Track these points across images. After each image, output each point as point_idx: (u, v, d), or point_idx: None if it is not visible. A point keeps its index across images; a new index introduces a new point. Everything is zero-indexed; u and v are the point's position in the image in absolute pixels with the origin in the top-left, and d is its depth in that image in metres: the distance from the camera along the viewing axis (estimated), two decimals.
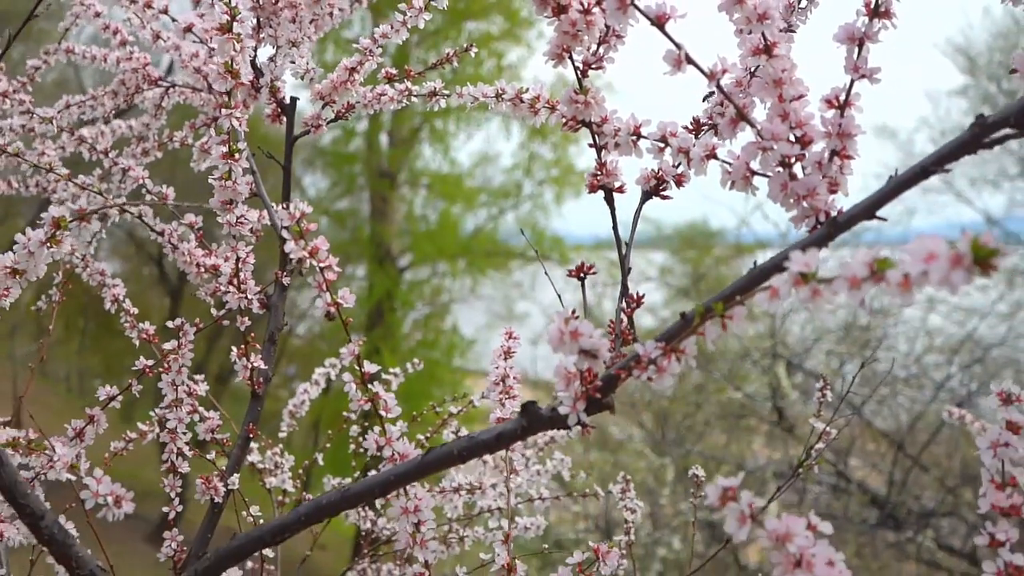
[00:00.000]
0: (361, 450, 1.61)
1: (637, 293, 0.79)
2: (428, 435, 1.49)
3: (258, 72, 1.12)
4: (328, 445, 1.55)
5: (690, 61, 0.69)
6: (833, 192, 0.68)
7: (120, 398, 1.04)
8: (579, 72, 0.79)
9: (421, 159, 11.28)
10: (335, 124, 1.21)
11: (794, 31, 0.85)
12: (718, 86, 0.71)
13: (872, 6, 0.68)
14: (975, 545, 6.09)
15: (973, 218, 8.45)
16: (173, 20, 1.24)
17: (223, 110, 0.88)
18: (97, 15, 1.38)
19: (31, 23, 1.53)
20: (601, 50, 0.79)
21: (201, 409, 1.16)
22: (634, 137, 0.79)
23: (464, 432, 1.50)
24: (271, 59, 1.11)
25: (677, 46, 0.70)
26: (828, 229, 0.64)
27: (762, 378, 7.10)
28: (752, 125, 0.71)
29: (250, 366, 1.11)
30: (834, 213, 0.66)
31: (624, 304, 0.78)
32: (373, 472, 0.78)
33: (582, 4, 0.72)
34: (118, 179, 1.35)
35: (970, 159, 0.64)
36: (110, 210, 1.08)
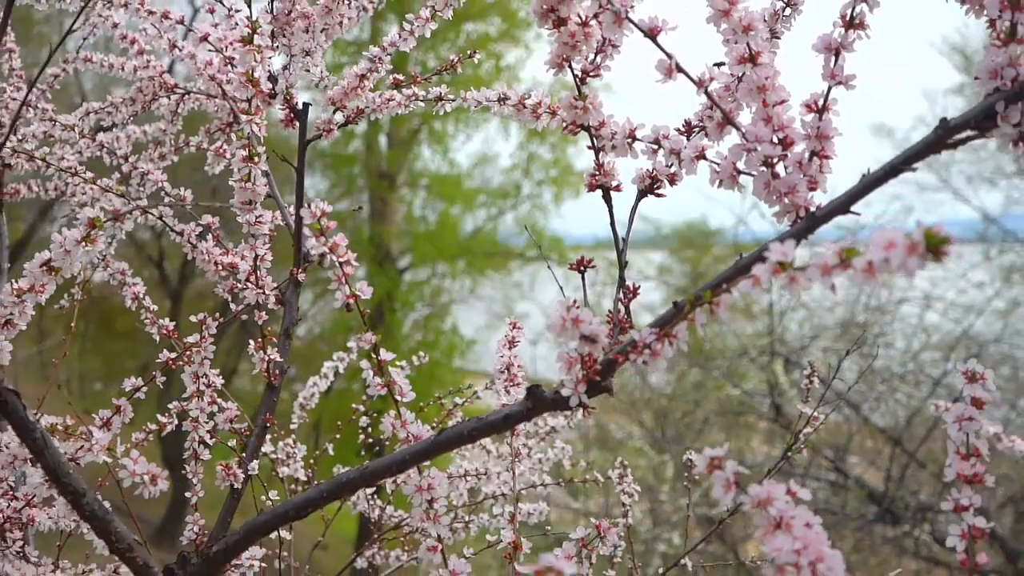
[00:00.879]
0: (369, 440, 1.68)
1: (633, 284, 0.85)
2: (433, 426, 1.55)
3: (272, 79, 1.17)
4: (338, 436, 1.61)
5: (680, 70, 0.75)
6: (813, 189, 0.74)
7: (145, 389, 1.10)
8: (578, 79, 0.85)
9: (420, 160, 11.34)
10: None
11: (779, 37, 0.91)
12: (706, 93, 0.77)
13: (848, 18, 0.74)
14: (972, 540, 6.14)
15: (970, 216, 8.51)
16: (189, 30, 1.30)
17: (244, 116, 0.93)
18: (115, 25, 1.43)
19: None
20: (598, 59, 0.85)
21: (220, 401, 1.22)
22: (629, 140, 0.85)
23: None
24: (285, 67, 1.17)
25: (668, 56, 0.76)
26: (807, 223, 0.70)
27: (760, 375, 7.16)
28: (738, 128, 0.77)
29: (267, 359, 1.17)
30: (813, 208, 0.72)
31: (621, 295, 0.83)
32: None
33: (580, 17, 0.78)
34: (136, 182, 1.41)
35: (968, 158, 0.70)
36: (133, 211, 1.14)
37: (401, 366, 1.70)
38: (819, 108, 0.74)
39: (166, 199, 1.29)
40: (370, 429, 1.58)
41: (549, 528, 1.42)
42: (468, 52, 1.32)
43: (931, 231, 0.49)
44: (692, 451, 1.30)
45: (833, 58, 0.74)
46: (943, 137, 0.66)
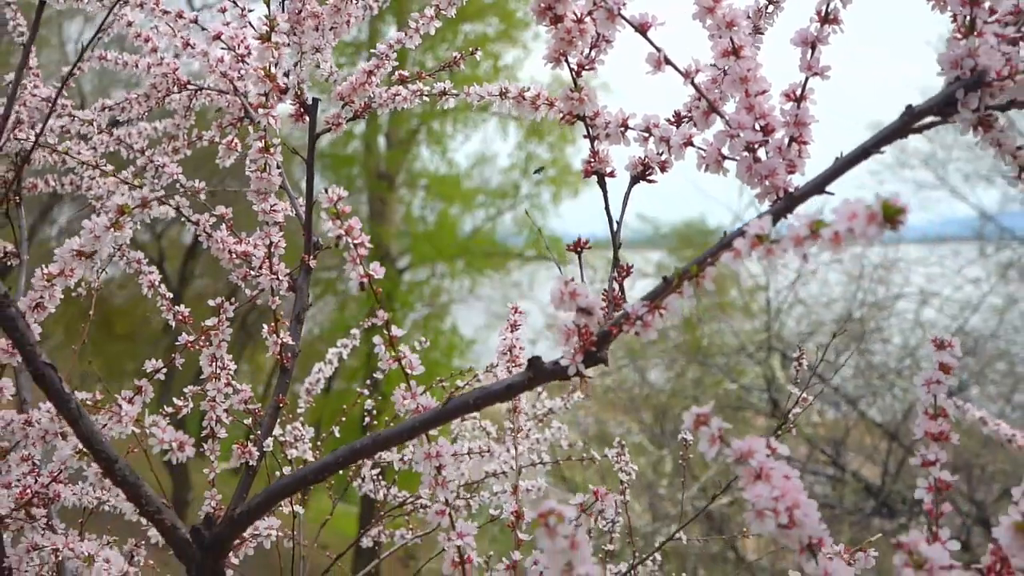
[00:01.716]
0: (374, 424, 1.74)
1: (627, 263, 0.91)
2: None
3: (285, 75, 1.23)
4: (343, 419, 1.67)
5: (668, 62, 0.81)
6: (791, 172, 0.80)
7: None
8: (574, 73, 0.91)
9: (419, 160, 11.41)
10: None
11: (762, 33, 0.97)
12: (693, 84, 0.83)
13: (823, 14, 0.80)
14: (969, 533, 6.22)
15: (967, 214, 8.58)
16: (203, 29, 1.36)
17: (260, 110, 0.99)
18: (129, 24, 1.49)
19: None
20: (593, 53, 0.91)
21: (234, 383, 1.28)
22: (622, 128, 0.91)
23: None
24: (296, 64, 1.23)
25: (657, 49, 0.82)
26: (785, 202, 0.76)
27: (757, 370, 7.23)
28: (722, 116, 0.83)
29: (279, 342, 1.23)
30: (792, 189, 0.78)
31: (616, 273, 0.89)
32: None
33: (575, 14, 0.84)
34: (151, 175, 1.47)
35: (965, 155, 0.76)
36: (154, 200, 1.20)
37: (403, 353, 1.77)
38: (797, 97, 0.80)
39: (181, 191, 1.35)
40: (375, 412, 1.65)
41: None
42: (470, 49, 1.39)
43: (888, 203, 0.55)
44: (686, 428, 1.35)
45: (810, 51, 0.80)
46: (908, 122, 0.72)
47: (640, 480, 7.21)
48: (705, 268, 0.72)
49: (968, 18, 0.71)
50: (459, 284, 11.54)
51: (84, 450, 0.97)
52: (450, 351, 10.76)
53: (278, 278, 1.17)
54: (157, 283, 1.39)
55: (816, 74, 0.80)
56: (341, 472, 1.63)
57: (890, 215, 0.55)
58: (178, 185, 1.36)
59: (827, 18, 0.80)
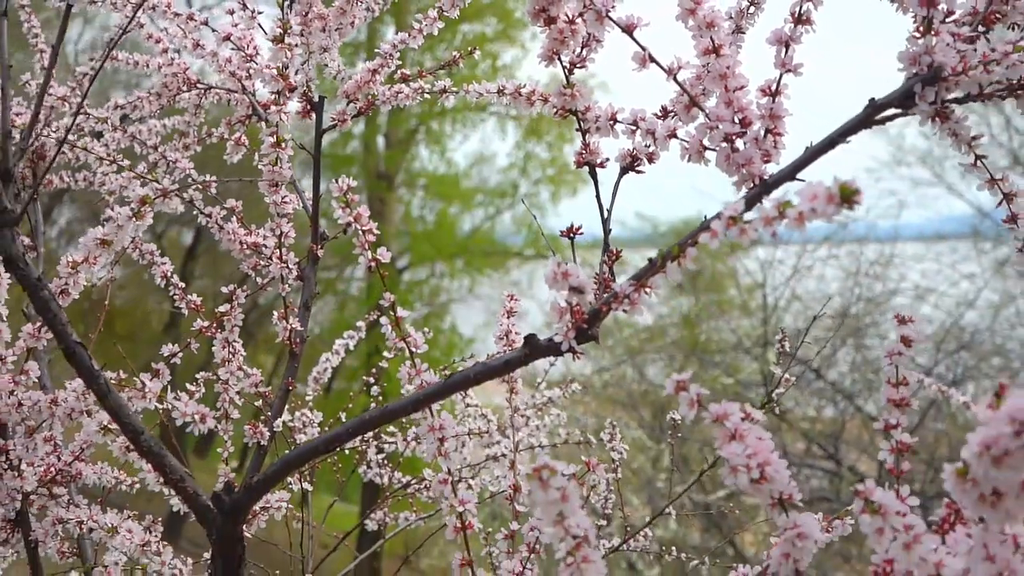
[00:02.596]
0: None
1: (616, 248, 0.97)
2: None
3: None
4: (350, 405, 1.73)
5: (652, 60, 0.88)
6: (767, 161, 0.86)
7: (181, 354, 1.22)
8: (567, 70, 0.97)
9: (418, 160, 11.47)
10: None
11: (744, 32, 1.04)
12: (675, 80, 0.89)
13: (796, 15, 0.87)
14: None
15: (964, 210, 8.65)
16: (213, 31, 1.42)
17: (272, 107, 1.06)
18: (141, 25, 1.56)
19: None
20: (584, 52, 0.97)
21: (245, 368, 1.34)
22: (611, 122, 0.97)
23: (469, 399, 1.68)
24: (304, 63, 1.29)
25: (643, 48, 0.88)
26: (760, 188, 0.82)
27: (754, 366, 7.30)
28: (702, 110, 0.89)
29: (289, 328, 1.29)
30: (766, 177, 0.85)
31: (606, 257, 0.96)
32: None
33: (567, 16, 0.90)
34: (163, 170, 1.53)
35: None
36: (170, 193, 1.26)
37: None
38: (772, 92, 0.87)
39: (193, 185, 1.41)
40: (381, 398, 1.71)
41: None
42: (468, 49, 1.45)
43: (844, 184, 0.62)
44: (674, 411, 1.42)
45: (784, 49, 0.86)
46: (871, 114, 0.79)
47: (639, 476, 7.28)
48: (686, 249, 0.78)
49: (925, 18, 0.77)
50: (458, 283, 11.60)
51: (108, 426, 1.03)
52: (450, 350, 10.81)
53: (288, 267, 1.23)
54: (170, 274, 1.45)
55: (790, 71, 0.86)
56: (347, 454, 1.69)
57: (846, 196, 0.61)
58: (190, 179, 1.42)
59: (800, 19, 0.86)
